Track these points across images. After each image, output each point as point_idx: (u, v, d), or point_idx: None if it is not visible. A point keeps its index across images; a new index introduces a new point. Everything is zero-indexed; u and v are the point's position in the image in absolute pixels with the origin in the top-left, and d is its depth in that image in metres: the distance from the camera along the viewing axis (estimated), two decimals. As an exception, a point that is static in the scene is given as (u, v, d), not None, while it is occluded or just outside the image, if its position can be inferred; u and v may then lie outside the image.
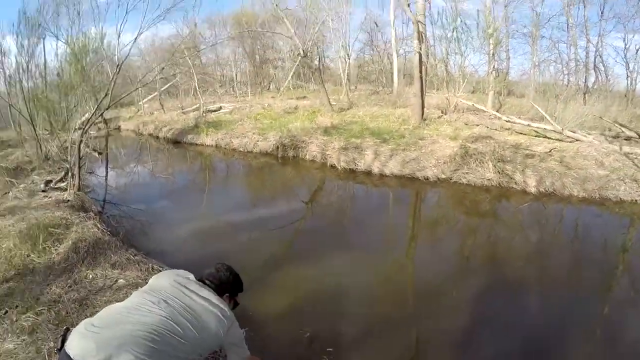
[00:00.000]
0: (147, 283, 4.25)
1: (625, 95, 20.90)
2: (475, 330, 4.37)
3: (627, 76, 21.52)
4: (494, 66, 17.59)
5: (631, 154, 9.44)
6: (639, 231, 7.18)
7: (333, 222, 7.81)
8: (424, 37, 14.33)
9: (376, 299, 4.97)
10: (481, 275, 5.65)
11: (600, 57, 22.50)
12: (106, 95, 8.09)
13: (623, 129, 11.37)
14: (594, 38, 22.41)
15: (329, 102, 17.36)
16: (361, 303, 4.80)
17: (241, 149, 13.86)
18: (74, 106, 10.36)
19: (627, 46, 21.07)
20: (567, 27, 23.03)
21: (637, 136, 10.80)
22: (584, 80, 22.79)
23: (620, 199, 8.13)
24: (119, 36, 8.15)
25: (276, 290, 5.04)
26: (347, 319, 4.45)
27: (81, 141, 7.96)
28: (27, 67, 12.90)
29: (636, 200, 7.99)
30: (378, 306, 4.80)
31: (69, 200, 7.30)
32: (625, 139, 10.95)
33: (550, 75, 22.46)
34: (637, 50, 20.79)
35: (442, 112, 15.21)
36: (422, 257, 6.53)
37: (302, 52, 17.73)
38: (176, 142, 15.89)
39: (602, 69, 22.79)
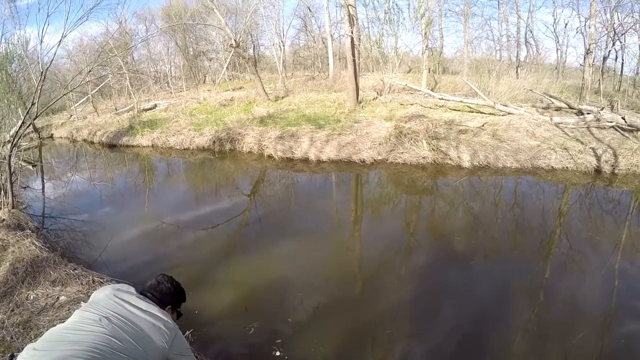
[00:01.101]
0: (89, 297, 4.13)
1: (556, 68, 21.81)
2: (423, 302, 4.45)
3: (557, 49, 22.51)
4: (427, 45, 17.67)
5: (561, 123, 9.68)
6: (572, 196, 7.38)
7: (275, 212, 7.65)
8: (355, 21, 14.17)
9: (324, 282, 4.93)
10: (425, 249, 5.77)
11: (531, 32, 23.38)
12: (33, 103, 7.49)
13: (553, 100, 11.67)
14: (525, 14, 23.27)
15: (265, 91, 17.01)
16: (309, 289, 4.74)
17: (178, 147, 13.33)
18: (1, 119, 9.66)
19: (556, 21, 22.05)
20: (498, 4, 23.83)
21: (567, 106, 11.09)
22: (515, 55, 23.58)
23: (552, 167, 8.33)
24: (42, 41, 7.71)
25: (222, 287, 4.91)
26: (295, 307, 4.38)
27: (10, 155, 7.34)
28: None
29: (567, 168, 8.21)
30: (327, 289, 4.75)
31: (3, 220, 6.81)
32: (556, 110, 11.23)
33: (482, 52, 23.04)
34: (566, 24, 21.61)
35: (377, 94, 15.20)
36: (367, 237, 6.50)
37: (234, 43, 17.18)
38: (112, 146, 15.12)
39: (533, 43, 23.68)
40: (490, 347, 3.69)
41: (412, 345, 3.77)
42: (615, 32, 15.97)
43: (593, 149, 8.48)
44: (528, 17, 23.01)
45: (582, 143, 8.76)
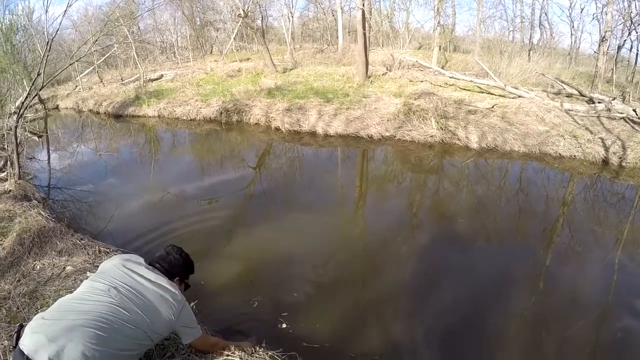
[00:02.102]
0: (95, 267, 4.15)
1: (569, 54, 21.48)
2: (425, 281, 4.48)
3: (572, 34, 22.06)
4: (439, 22, 17.40)
5: (571, 110, 9.57)
6: (578, 185, 7.34)
7: (281, 186, 7.66)
8: (367, -8, 13.89)
9: (328, 258, 4.94)
10: (429, 228, 5.81)
11: (546, 14, 23.00)
12: (39, 74, 7.37)
13: (565, 86, 11.52)
14: None
15: (273, 62, 16.81)
16: (314, 264, 4.75)
17: (184, 118, 13.24)
18: (7, 90, 9.61)
19: (572, 5, 21.50)
20: (514, -17, 23.20)
21: (578, 93, 10.96)
22: (528, 37, 23.22)
23: (560, 154, 8.26)
24: (47, 11, 7.54)
25: (227, 259, 4.94)
26: (300, 282, 4.41)
27: (17, 126, 7.27)
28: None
29: (575, 156, 8.14)
30: (330, 265, 4.79)
31: (10, 191, 6.78)
32: (567, 96, 11.11)
33: (495, 32, 22.72)
34: (582, 9, 21.26)
35: (387, 69, 15.03)
36: (371, 213, 6.53)
37: (242, 12, 16.89)
38: (118, 116, 14.99)
39: (547, 26, 23.28)
40: (488, 330, 3.74)
41: (412, 324, 3.81)
42: (632, 21, 15.62)
43: (602, 139, 8.39)
44: None
45: (591, 132, 8.67)
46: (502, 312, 3.93)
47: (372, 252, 5.14)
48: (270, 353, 2.93)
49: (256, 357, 2.86)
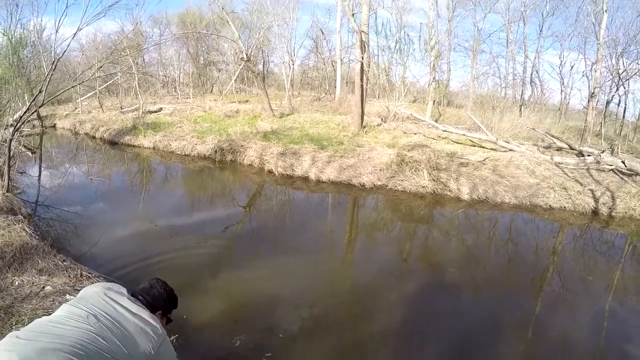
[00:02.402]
0: (75, 290, 4.10)
1: (559, 109, 22.10)
2: (412, 329, 4.45)
3: (562, 90, 22.76)
4: (434, 77, 17.92)
5: (562, 163, 9.75)
6: (568, 235, 7.43)
7: (270, 227, 7.63)
8: (366, 47, 14.32)
9: (315, 301, 4.90)
10: (418, 277, 5.77)
11: (537, 72, 23.67)
12: (41, 91, 7.51)
13: (555, 140, 11.76)
14: (532, 54, 23.66)
15: (270, 107, 17.11)
16: (299, 306, 4.71)
17: (179, 152, 13.31)
18: (7, 101, 9.67)
19: (562, 63, 22.36)
20: (507, 43, 24.18)
21: (568, 147, 11.19)
22: (520, 94, 23.88)
23: (550, 205, 8.37)
24: (57, 31, 7.71)
25: (211, 296, 4.87)
26: (285, 324, 4.36)
27: (12, 139, 7.31)
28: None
29: (565, 207, 8.26)
30: (317, 308, 4.74)
31: None
32: (557, 150, 11.33)
33: (488, 88, 23.30)
34: (572, 67, 21.94)
35: (382, 120, 15.33)
36: (360, 260, 6.52)
37: (245, 56, 17.36)
38: (113, 143, 15.07)
39: (538, 83, 23.99)
40: None
41: None
42: (619, 77, 16.20)
43: (592, 190, 8.53)
44: (535, 58, 23.40)
45: (581, 184, 8.82)
46: None
47: (359, 298, 5.08)
48: None
49: None
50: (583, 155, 10.23)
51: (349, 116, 15.02)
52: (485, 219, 8.18)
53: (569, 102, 23.09)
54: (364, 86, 13.99)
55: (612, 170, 9.35)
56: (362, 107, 13.68)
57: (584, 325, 4.51)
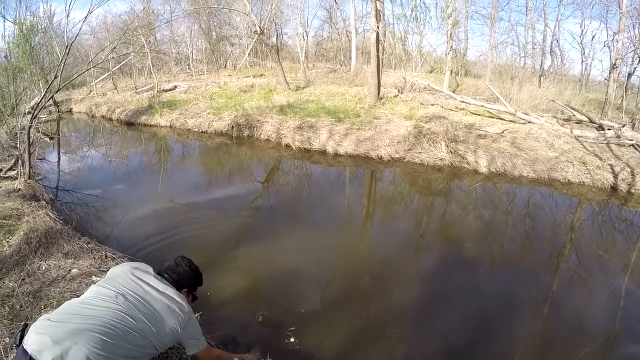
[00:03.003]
0: (101, 271, 4.23)
1: (580, 80, 21.48)
2: (429, 303, 4.49)
3: (582, 61, 22.10)
4: (451, 46, 17.56)
5: (581, 137, 9.60)
6: (586, 211, 7.33)
7: (289, 201, 7.70)
8: (382, 16, 14.10)
9: (335, 276, 4.97)
10: (435, 251, 5.79)
11: (557, 41, 23.00)
12: (56, 77, 7.47)
13: (575, 112, 11.55)
14: (552, 22, 22.96)
15: (286, 80, 16.98)
16: (320, 281, 4.80)
17: (196, 129, 13.40)
18: (23, 89, 9.74)
19: (583, 32, 21.60)
20: (526, 10, 23.47)
21: (588, 120, 10.99)
22: (539, 64, 23.27)
23: (569, 180, 8.27)
24: (68, 15, 7.61)
25: (233, 272, 4.96)
26: (306, 298, 4.44)
27: (31, 126, 7.33)
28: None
29: (583, 182, 8.15)
30: (336, 283, 4.81)
31: (19, 190, 6.83)
32: (577, 123, 11.13)
33: (507, 57, 22.82)
34: (593, 37, 21.32)
35: (398, 91, 15.16)
36: (378, 234, 6.54)
37: (259, 29, 17.17)
38: (130, 124, 15.15)
39: (558, 53, 23.33)
40: (492, 354, 3.74)
41: (417, 345, 3.83)
42: (642, 48, 15.75)
43: (611, 165, 8.39)
44: (555, 26, 22.68)
45: (600, 159, 8.68)
46: (507, 337, 3.93)
47: (378, 272, 5.14)
48: None
49: None
50: (603, 129, 10.04)
51: (365, 88, 14.85)
52: (503, 192, 8.16)
53: (589, 74, 22.41)
54: (380, 56, 13.82)
55: (632, 145, 9.16)
56: (379, 78, 13.54)
57: (600, 304, 4.51)
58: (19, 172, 7.47)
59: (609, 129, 9.83)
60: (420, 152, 9.49)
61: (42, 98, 7.94)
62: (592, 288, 4.84)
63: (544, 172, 8.47)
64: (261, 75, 21.87)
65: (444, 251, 5.77)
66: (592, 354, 3.69)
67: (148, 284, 2.47)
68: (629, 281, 5.01)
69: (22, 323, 2.34)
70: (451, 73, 17.56)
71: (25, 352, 1.98)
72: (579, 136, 9.63)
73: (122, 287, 2.38)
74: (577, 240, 6.19)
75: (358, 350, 3.76)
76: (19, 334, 2.15)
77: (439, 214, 7.28)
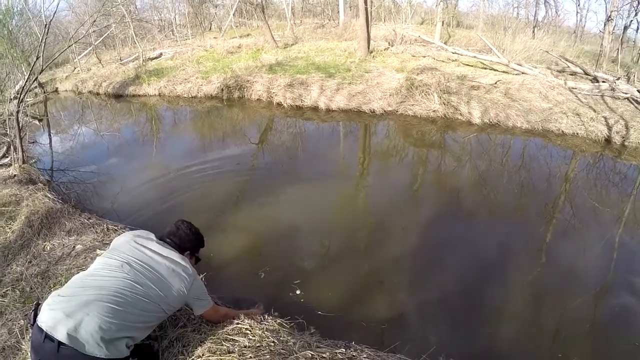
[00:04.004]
0: (104, 244, 4.28)
1: (574, 32, 21.19)
2: (427, 254, 4.55)
3: (577, 12, 21.86)
4: (442, -4, 17.17)
5: (575, 88, 9.50)
6: (580, 163, 7.32)
7: (284, 159, 7.67)
8: (369, -34, 13.65)
9: (333, 230, 5.07)
10: (430, 202, 5.86)
11: (552, -9, 22.52)
12: (38, 58, 7.33)
13: (569, 64, 11.41)
14: None
15: (273, 38, 16.66)
16: (319, 235, 4.88)
17: (185, 95, 13.16)
18: (6, 75, 9.61)
19: (578, -19, 21.07)
20: (520, -42, 22.83)
21: (582, 72, 10.87)
22: (533, 14, 22.89)
23: (562, 131, 8.22)
24: None
25: (234, 232, 5.01)
26: (307, 253, 4.54)
27: (19, 111, 7.24)
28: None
29: (577, 134, 8.10)
30: (335, 237, 4.91)
31: (15, 175, 6.81)
32: (571, 74, 11.01)
33: (499, 8, 22.47)
34: (589, -13, 20.88)
35: (389, 44, 14.90)
36: (374, 187, 6.55)
37: (242, -13, 16.71)
38: (118, 96, 14.79)
39: (553, 3, 22.97)
40: (488, 301, 3.82)
41: (416, 294, 3.91)
42: (638, 1, 15.42)
43: (605, 118, 8.31)
44: None
45: (594, 111, 8.60)
46: (502, 285, 4.00)
47: (376, 224, 5.18)
48: (279, 320, 2.99)
49: (265, 324, 2.91)
50: (597, 82, 9.92)
51: (355, 42, 14.58)
52: (497, 144, 8.10)
53: (584, 25, 22.19)
54: (369, 9, 13.47)
55: (627, 98, 9.06)
56: (368, 32, 13.25)
57: (594, 255, 4.55)
58: (12, 159, 7.42)
59: (603, 82, 9.72)
60: (413, 105, 9.37)
61: (26, 81, 7.80)
62: (586, 239, 4.87)
63: (538, 123, 8.41)
64: (248, 35, 21.37)
65: (440, 202, 5.80)
66: (586, 303, 3.76)
67: (151, 250, 2.52)
68: (622, 233, 5.04)
69: (35, 303, 2.40)
70: (442, 24, 17.28)
71: (40, 329, 2.04)
72: (573, 88, 9.53)
73: (127, 255, 2.43)
74: (571, 192, 6.19)
75: (361, 301, 3.83)
76: (33, 313, 2.22)
77: (433, 166, 7.25)
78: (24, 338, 3.06)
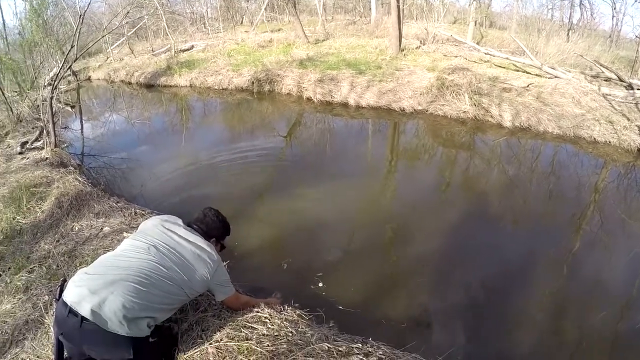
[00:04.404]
0: (131, 228, 4.42)
1: (610, 36, 20.62)
2: (450, 255, 4.57)
3: (613, 16, 21.14)
4: (475, -4, 16.99)
5: (609, 95, 9.31)
6: (611, 173, 7.13)
7: (312, 154, 7.78)
8: (403, -37, 13.61)
9: (358, 226, 5.12)
10: (456, 204, 5.81)
11: (588, -7, 21.98)
12: (72, 47, 7.61)
13: (603, 69, 11.18)
14: None
15: (304, 33, 16.69)
16: (344, 231, 4.97)
17: (216, 87, 13.41)
18: (40, 62, 10.04)
19: (614, -16, 20.53)
20: (555, -42, 22.35)
21: (617, 78, 10.64)
22: (568, 17, 22.37)
23: (594, 139, 8.03)
24: None
25: (259, 222, 5.13)
26: (331, 247, 4.60)
27: (52, 97, 7.52)
28: (-15, 30, 12.22)
29: (609, 142, 7.91)
30: (360, 233, 4.96)
31: (47, 158, 7.11)
32: (605, 80, 10.78)
33: (534, 9, 22.06)
34: (625, -10, 20.36)
35: (420, 43, 14.80)
36: (400, 186, 6.60)
37: (274, -17, 16.80)
38: (150, 86, 15.16)
39: (588, 6, 22.41)
40: (509, 308, 3.81)
41: (439, 296, 3.94)
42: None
43: (639, 127, 8.13)
44: None
45: (628, 119, 8.37)
46: (524, 293, 3.98)
47: (402, 223, 5.22)
48: (298, 312, 3.06)
49: (284, 314, 2.98)
50: (632, 89, 9.68)
51: (386, 39, 14.50)
52: (527, 148, 8.01)
53: (620, 30, 21.51)
54: (401, 7, 13.42)
55: (662, 107, 8.87)
56: (400, 30, 13.17)
57: (619, 269, 4.46)
58: (44, 142, 7.70)
59: (638, 89, 9.52)
60: (443, 105, 9.35)
61: (61, 69, 8.05)
62: (613, 252, 4.78)
63: (570, 129, 8.27)
64: (279, 30, 21.44)
65: (466, 205, 5.77)
66: (608, 317, 3.69)
67: (178, 234, 2.59)
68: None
69: (61, 279, 2.49)
70: (475, 24, 17.08)
71: (65, 304, 2.12)
72: (607, 94, 9.34)
73: (154, 239, 2.51)
74: (600, 202, 6.03)
75: (381, 298, 3.88)
76: (59, 289, 2.32)
77: (462, 168, 7.23)
78: (47, 313, 3.20)
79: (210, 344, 2.62)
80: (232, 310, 2.96)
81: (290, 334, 2.71)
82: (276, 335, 2.68)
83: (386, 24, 17.11)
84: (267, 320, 2.84)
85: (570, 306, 3.88)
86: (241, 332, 2.70)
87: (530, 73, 10.82)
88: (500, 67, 11.45)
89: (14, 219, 4.92)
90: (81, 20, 7.44)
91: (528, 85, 9.73)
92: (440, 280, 4.13)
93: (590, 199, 6.11)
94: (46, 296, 3.44)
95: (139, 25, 22.06)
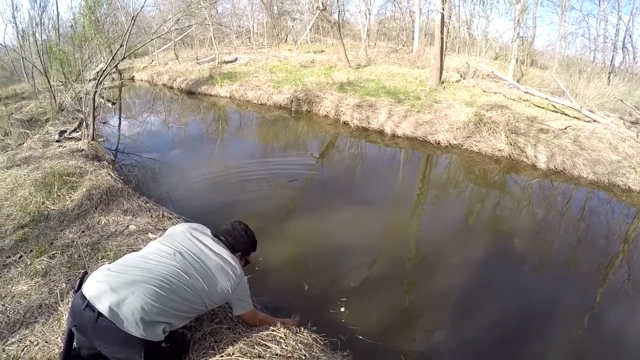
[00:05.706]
0: (157, 229, 4.53)
1: (652, 81, 20.27)
2: (472, 294, 4.53)
3: (657, 60, 20.78)
4: (518, 33, 17.06)
5: (648, 142, 9.24)
6: None
7: (342, 178, 7.88)
8: (448, -3, 13.83)
9: (382, 255, 5.11)
10: (483, 243, 5.77)
11: (630, 37, 21.67)
12: (121, 46, 8.06)
13: (643, 115, 11.11)
14: (626, 16, 21.54)
15: (347, 57, 17.00)
16: (367, 258, 4.94)
17: (255, 101, 13.79)
18: (88, 57, 10.45)
19: (658, 29, 20.23)
20: (599, 1, 22.16)
21: (656, 126, 10.56)
22: (610, 59, 22.06)
23: (629, 187, 7.90)
24: None
25: (284, 241, 5.21)
26: (352, 272, 4.62)
27: (96, 92, 7.95)
28: (40, 20, 12.99)
29: (644, 191, 7.78)
30: (383, 263, 4.95)
31: (82, 150, 7.43)
32: (644, 127, 10.70)
33: (576, 50, 21.86)
34: (670, 34, 20.06)
35: (461, 76, 14.95)
36: (427, 218, 6.63)
37: (321, 5, 17.20)
38: (190, 93, 15.72)
39: (631, 49, 22.03)
40: (523, 356, 3.79)
41: (455, 333, 3.94)
42: None
43: (676, 177, 8.06)
44: (629, 20, 21.15)
45: (665, 169, 8.35)
46: (543, 340, 3.95)
47: (426, 255, 5.28)
48: (313, 335, 3.07)
49: (300, 336, 2.99)
50: (672, 137, 9.63)
51: (427, 70, 14.74)
52: (559, 192, 7.98)
53: (663, 75, 21.22)
54: (444, 39, 13.61)
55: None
56: (441, 62, 13.36)
57: None
58: (82, 134, 8.08)
59: (678, 138, 9.42)
60: (479, 141, 9.42)
61: (107, 66, 8.44)
62: (638, 307, 4.65)
63: (604, 176, 8.19)
64: (322, 51, 21.91)
65: (492, 244, 5.76)
66: None
67: (204, 244, 2.65)
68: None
69: (83, 271, 2.59)
70: (516, 61, 17.11)
71: (83, 297, 2.19)
72: (645, 141, 9.29)
73: (180, 245, 2.58)
74: (629, 253, 5.87)
75: (398, 330, 3.90)
76: (79, 281, 2.37)
77: (491, 206, 7.25)
78: (62, 300, 3.28)
79: (221, 356, 2.65)
80: (248, 325, 3.00)
81: (304, 357, 2.73)
82: (289, 357, 2.69)
83: (428, 55, 17.36)
84: (282, 340, 2.86)
85: (590, 357, 3.85)
86: (254, 348, 2.72)
87: (568, 115, 10.83)
88: (539, 106, 11.49)
89: (43, 203, 5.10)
90: (133, 21, 7.91)
91: (566, 128, 9.74)
92: (459, 319, 4.12)
93: (619, 249, 5.97)
94: (64, 284, 3.51)
95: (186, 33, 22.90)
